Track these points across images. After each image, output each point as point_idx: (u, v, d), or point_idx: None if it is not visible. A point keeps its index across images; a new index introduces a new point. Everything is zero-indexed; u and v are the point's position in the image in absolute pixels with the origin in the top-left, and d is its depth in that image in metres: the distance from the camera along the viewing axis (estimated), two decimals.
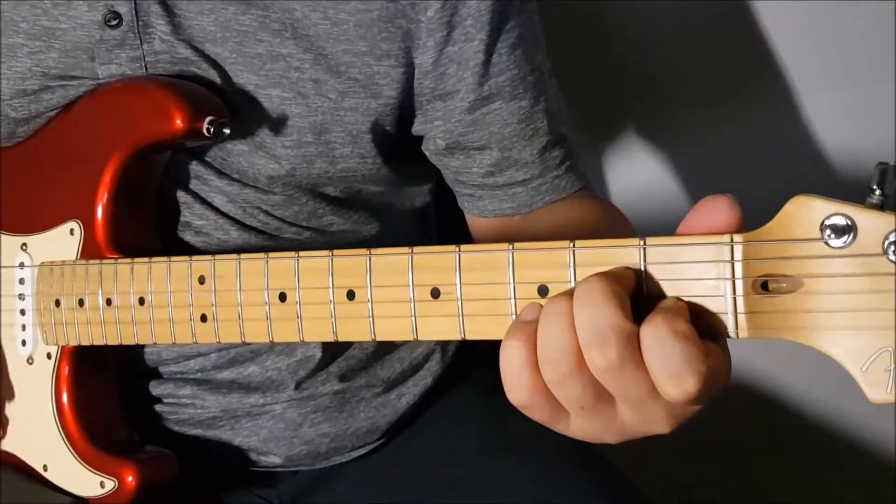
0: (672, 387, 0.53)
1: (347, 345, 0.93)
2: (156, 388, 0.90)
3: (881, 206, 0.52)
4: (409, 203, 0.98)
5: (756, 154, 1.26)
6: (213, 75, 0.82)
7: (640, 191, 1.29)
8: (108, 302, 0.78)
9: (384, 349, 0.96)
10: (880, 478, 1.30)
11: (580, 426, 0.59)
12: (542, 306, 0.58)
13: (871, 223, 0.52)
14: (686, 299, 0.56)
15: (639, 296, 0.57)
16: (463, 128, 0.87)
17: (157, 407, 0.90)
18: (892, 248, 0.51)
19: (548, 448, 0.90)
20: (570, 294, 0.56)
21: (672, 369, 0.53)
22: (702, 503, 1.32)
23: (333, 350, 0.92)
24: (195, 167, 0.86)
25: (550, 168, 0.90)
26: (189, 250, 0.86)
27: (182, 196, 0.86)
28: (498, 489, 0.87)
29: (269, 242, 0.88)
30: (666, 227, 1.31)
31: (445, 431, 0.97)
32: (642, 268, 0.57)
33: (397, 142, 0.89)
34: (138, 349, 0.88)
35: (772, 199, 1.31)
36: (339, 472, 0.95)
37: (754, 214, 1.26)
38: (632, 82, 1.25)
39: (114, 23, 0.82)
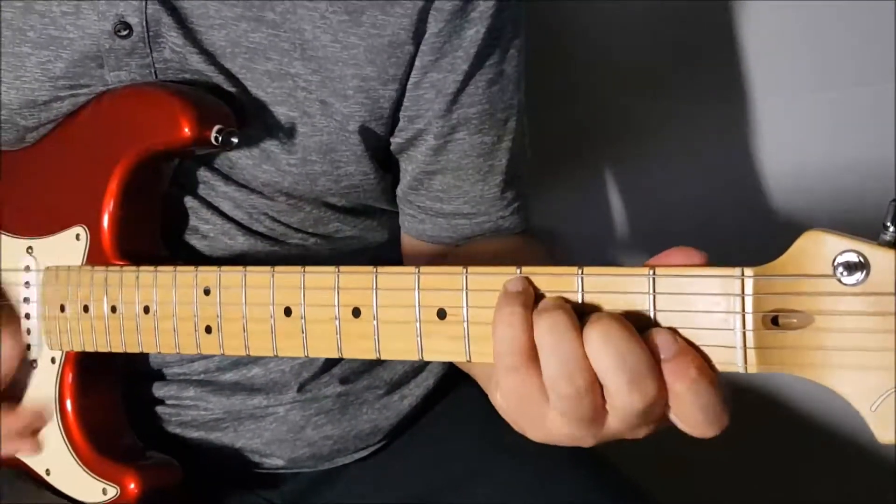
0: (714, 431, 0.58)
1: None
2: (159, 390, 0.90)
3: (895, 244, 0.52)
4: None
5: (755, 154, 1.26)
6: (222, 89, 0.82)
7: (638, 193, 1.29)
8: (113, 309, 0.78)
9: None
10: (880, 478, 1.30)
11: (563, 428, 0.59)
12: (527, 281, 0.59)
13: (885, 261, 0.51)
14: (686, 334, 0.56)
15: (646, 327, 0.57)
16: (424, 149, 0.87)
17: (160, 409, 0.90)
18: None
19: (548, 448, 0.90)
20: (567, 315, 0.57)
21: (714, 415, 0.57)
22: (700, 502, 1.32)
23: None
24: (202, 173, 0.85)
25: (498, 208, 0.90)
26: (195, 255, 0.86)
27: (189, 201, 0.86)
28: (499, 489, 0.87)
29: (274, 248, 0.88)
30: (666, 230, 1.31)
31: (447, 432, 0.97)
32: (651, 297, 0.57)
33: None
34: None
35: (771, 200, 1.31)
36: (341, 473, 0.95)
37: (754, 214, 1.26)
38: (629, 83, 1.24)
39: (124, 33, 0.81)
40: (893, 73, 1.19)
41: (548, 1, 1.17)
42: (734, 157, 1.26)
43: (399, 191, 0.91)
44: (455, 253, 0.91)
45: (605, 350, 0.55)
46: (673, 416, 0.58)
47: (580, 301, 0.59)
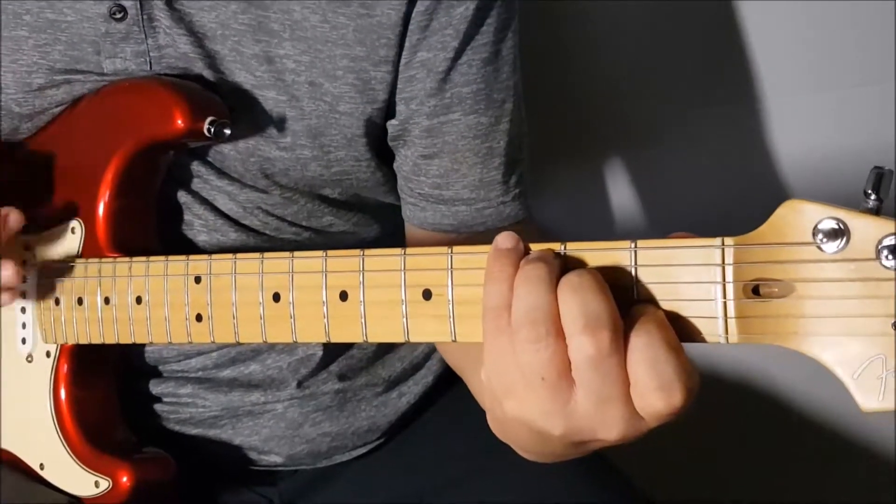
0: (659, 399, 0.53)
1: (348, 344, 0.92)
2: (156, 387, 0.90)
3: (876, 211, 0.52)
4: None
5: (755, 155, 1.25)
6: (211, 73, 0.82)
7: (639, 193, 1.28)
8: (107, 301, 0.78)
9: (385, 348, 0.96)
10: (880, 478, 1.29)
11: (530, 399, 0.56)
12: (517, 238, 0.58)
13: (865, 228, 0.51)
14: (667, 306, 0.56)
15: (628, 299, 0.56)
16: (419, 131, 0.86)
17: (158, 406, 0.90)
18: (886, 252, 0.50)
19: None
20: (547, 268, 0.56)
21: (662, 381, 0.53)
22: (700, 502, 1.31)
23: (334, 349, 0.92)
24: (196, 167, 0.86)
25: (498, 192, 0.88)
26: (189, 250, 0.86)
27: (182, 196, 0.86)
28: (498, 488, 0.87)
29: (267, 244, 0.88)
30: (666, 230, 1.30)
31: (446, 430, 0.97)
32: (633, 269, 0.57)
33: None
34: (139, 347, 0.88)
35: (770, 200, 1.30)
36: (339, 470, 0.95)
37: (752, 215, 1.26)
38: (629, 83, 1.24)
39: (119, 16, 0.82)
40: (894, 73, 1.18)
41: (548, 1, 1.17)
42: (734, 158, 1.26)
43: (400, 179, 0.90)
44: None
45: (571, 298, 0.54)
46: (633, 394, 0.54)
47: None
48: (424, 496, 0.90)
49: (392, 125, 0.86)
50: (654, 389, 0.53)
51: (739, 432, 1.30)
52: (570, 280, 0.55)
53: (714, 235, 0.56)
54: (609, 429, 0.56)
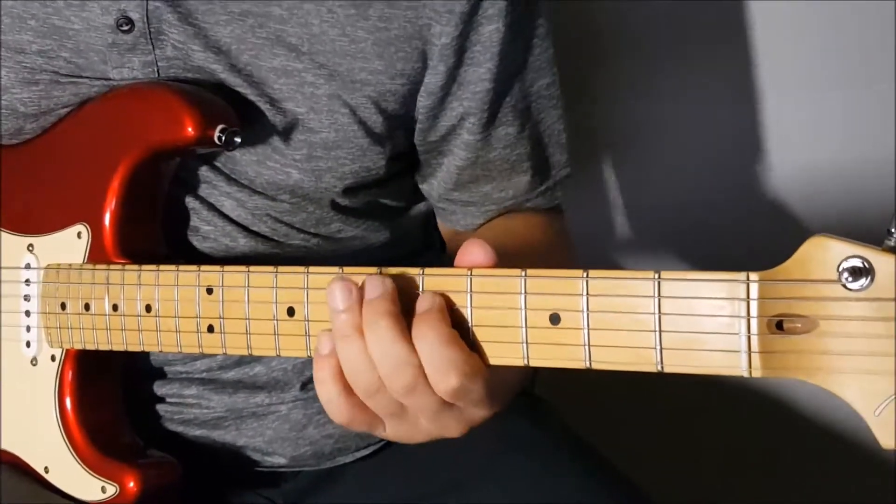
0: (439, 381, 0.62)
1: None
2: (161, 388, 0.90)
3: None
4: (416, 209, 0.98)
5: (757, 155, 1.26)
6: (227, 85, 0.82)
7: (642, 195, 1.29)
8: (115, 308, 0.78)
9: None
10: (880, 478, 1.30)
11: (394, 429, 0.68)
12: (331, 332, 0.65)
13: (889, 267, 0.51)
14: (690, 338, 0.56)
15: (650, 330, 0.57)
16: (452, 146, 0.89)
17: (162, 407, 0.90)
18: None
19: (549, 448, 0.91)
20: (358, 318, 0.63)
21: (435, 367, 0.62)
22: (700, 502, 1.32)
23: None
24: (205, 172, 0.85)
25: (525, 191, 0.93)
26: (195, 256, 0.86)
27: (190, 201, 0.86)
28: (500, 489, 0.87)
29: (276, 249, 0.88)
30: (670, 231, 1.30)
31: None
32: (656, 300, 0.57)
33: (402, 153, 0.89)
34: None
35: (772, 200, 1.31)
36: (342, 472, 0.95)
37: (756, 213, 1.26)
38: (632, 84, 1.24)
39: (126, 28, 0.81)
40: (893, 73, 1.19)
41: (550, 1, 1.17)
42: (736, 158, 1.26)
43: (434, 191, 0.93)
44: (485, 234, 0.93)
45: (367, 338, 0.63)
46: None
47: (586, 304, 0.59)
48: (428, 497, 0.90)
49: (430, 141, 0.89)
50: (431, 374, 0.62)
51: (739, 433, 1.31)
52: (365, 321, 0.63)
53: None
54: (449, 429, 0.68)
